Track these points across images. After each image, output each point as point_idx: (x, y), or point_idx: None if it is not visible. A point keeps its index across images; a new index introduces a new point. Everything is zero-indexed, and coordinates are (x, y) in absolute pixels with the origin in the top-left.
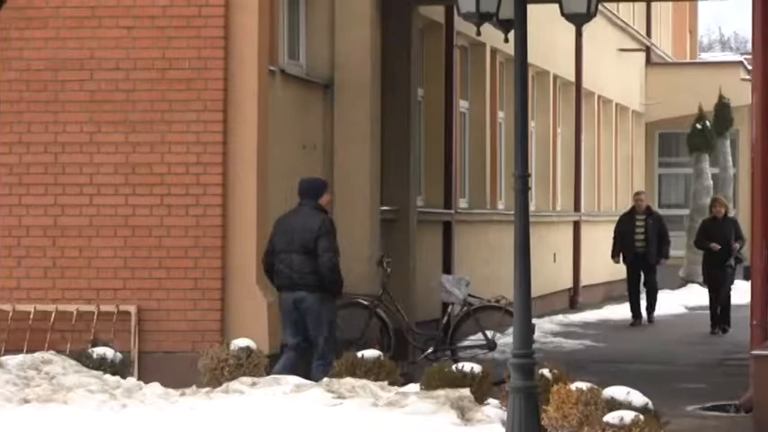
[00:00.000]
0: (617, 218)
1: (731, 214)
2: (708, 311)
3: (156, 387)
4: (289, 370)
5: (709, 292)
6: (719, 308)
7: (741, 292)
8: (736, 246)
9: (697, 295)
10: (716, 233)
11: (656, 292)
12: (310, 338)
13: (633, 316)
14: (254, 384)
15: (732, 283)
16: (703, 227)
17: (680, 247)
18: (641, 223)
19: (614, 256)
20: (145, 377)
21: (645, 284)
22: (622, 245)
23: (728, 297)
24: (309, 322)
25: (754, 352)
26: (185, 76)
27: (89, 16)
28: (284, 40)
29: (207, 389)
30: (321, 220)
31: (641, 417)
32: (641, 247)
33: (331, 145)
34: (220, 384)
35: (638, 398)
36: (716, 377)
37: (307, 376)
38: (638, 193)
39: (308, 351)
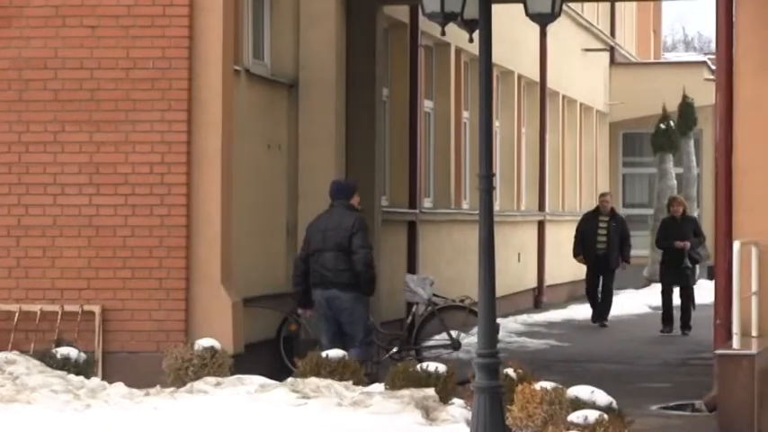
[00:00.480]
0: (581, 218)
1: (694, 214)
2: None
3: (120, 387)
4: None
5: (663, 292)
6: (681, 308)
7: (704, 292)
8: (688, 244)
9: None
10: (675, 232)
11: (610, 296)
12: (346, 335)
13: (594, 314)
14: (218, 384)
15: (693, 282)
16: (663, 226)
17: (644, 247)
18: (604, 225)
19: (576, 254)
20: (109, 377)
21: (601, 288)
22: (583, 245)
23: (690, 297)
24: (344, 320)
25: (718, 351)
26: (150, 76)
27: (53, 15)
28: (249, 40)
29: (171, 389)
30: (355, 218)
31: (605, 416)
32: (602, 249)
33: (296, 144)
34: (185, 384)
35: (602, 397)
36: (680, 376)
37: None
38: (603, 195)
39: (346, 345)
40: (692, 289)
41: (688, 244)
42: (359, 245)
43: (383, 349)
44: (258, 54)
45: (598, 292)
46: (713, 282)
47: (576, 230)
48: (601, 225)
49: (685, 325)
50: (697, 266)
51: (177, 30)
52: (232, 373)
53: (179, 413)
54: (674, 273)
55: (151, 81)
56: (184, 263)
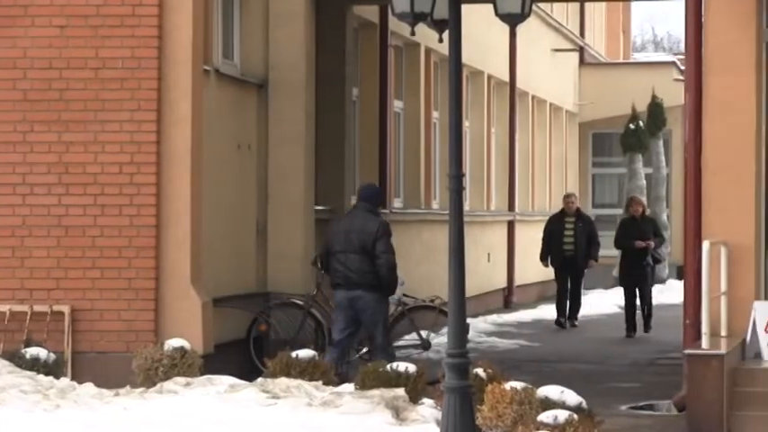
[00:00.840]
0: (547, 220)
1: (663, 214)
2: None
3: (89, 387)
4: (337, 365)
5: (626, 293)
6: (644, 310)
7: (674, 292)
8: (652, 243)
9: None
10: (634, 232)
11: (579, 297)
12: (367, 334)
13: (558, 317)
14: (188, 384)
15: (653, 283)
16: (622, 226)
17: (613, 247)
18: (570, 226)
19: (543, 259)
20: (78, 377)
21: (570, 290)
22: (551, 246)
23: (650, 299)
24: (365, 319)
25: (687, 351)
26: (119, 76)
27: (22, 15)
28: (218, 40)
29: (141, 389)
30: (379, 223)
31: (575, 416)
32: (570, 250)
33: (265, 144)
34: (154, 384)
35: (571, 397)
36: (649, 376)
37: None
38: (568, 196)
39: (350, 346)
40: (650, 290)
41: (652, 243)
42: (382, 250)
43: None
44: (228, 54)
45: (567, 296)
46: (682, 282)
47: (544, 233)
48: (567, 226)
49: (647, 325)
50: (657, 267)
51: (146, 29)
52: (202, 374)
53: (149, 413)
54: (634, 274)
55: (120, 81)
56: (154, 263)
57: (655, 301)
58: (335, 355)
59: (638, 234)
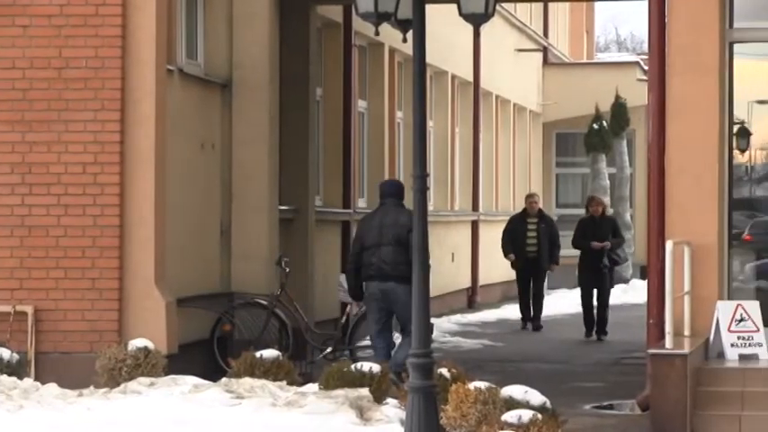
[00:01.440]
0: (508, 220)
1: (627, 214)
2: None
3: (53, 388)
4: (387, 354)
5: (582, 294)
6: (599, 312)
7: (637, 292)
8: (608, 244)
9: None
10: (593, 232)
11: (542, 300)
12: (399, 322)
13: (523, 319)
14: (151, 385)
15: (612, 285)
16: (580, 226)
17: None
18: (533, 227)
19: (507, 252)
20: (42, 378)
21: (532, 291)
22: (513, 247)
23: (606, 301)
24: (398, 309)
25: (651, 351)
26: (82, 76)
27: None
28: (182, 40)
29: (104, 389)
30: (410, 215)
31: (539, 416)
32: (533, 252)
33: (229, 144)
34: (118, 385)
35: (535, 397)
36: (613, 376)
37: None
38: (530, 196)
39: (390, 336)
40: (609, 292)
41: (608, 244)
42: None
43: (317, 349)
44: (191, 54)
45: (530, 297)
46: (646, 281)
47: (504, 233)
48: (530, 227)
49: (601, 329)
50: (617, 268)
51: (110, 29)
52: (166, 374)
53: (112, 414)
54: (592, 275)
55: (84, 81)
56: (117, 263)
57: (618, 301)
58: (381, 345)
59: (597, 234)
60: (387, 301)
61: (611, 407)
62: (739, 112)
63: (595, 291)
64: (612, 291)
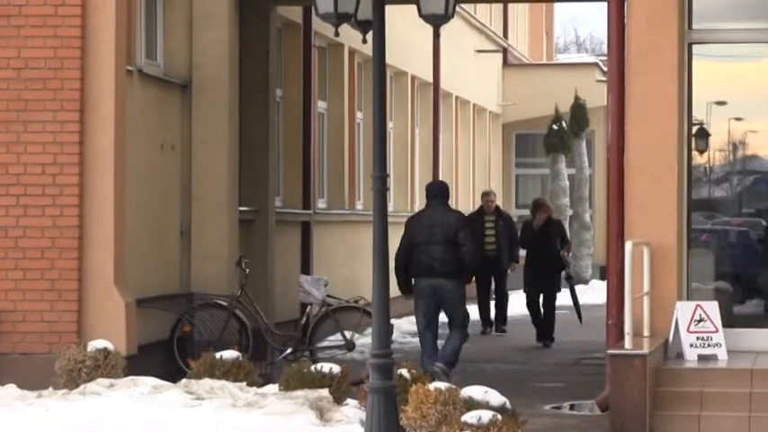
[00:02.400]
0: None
1: (586, 215)
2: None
3: (12, 389)
4: (435, 350)
5: (527, 300)
6: (544, 318)
7: (597, 292)
8: (564, 254)
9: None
10: (539, 237)
11: (506, 300)
12: (446, 316)
13: (483, 324)
14: (111, 386)
15: (558, 290)
16: (526, 229)
17: None
18: (491, 225)
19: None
20: (1, 379)
21: (495, 291)
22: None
23: (552, 309)
24: (446, 303)
25: (611, 351)
26: (41, 76)
27: None
28: (142, 40)
29: (64, 390)
30: (459, 216)
31: (499, 416)
32: (492, 250)
33: (189, 145)
34: (77, 386)
35: (495, 397)
36: (573, 376)
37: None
38: (486, 194)
39: (437, 331)
40: (555, 297)
41: (564, 252)
42: (467, 239)
43: (277, 350)
44: (151, 54)
45: (490, 298)
46: (605, 282)
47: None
48: (488, 225)
49: (547, 335)
50: (563, 273)
51: (69, 29)
52: (125, 375)
53: (72, 415)
54: (537, 281)
55: (43, 81)
56: (77, 264)
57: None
58: (428, 339)
59: (543, 239)
60: (435, 296)
61: (572, 407)
62: (698, 114)
63: (542, 295)
64: (560, 294)
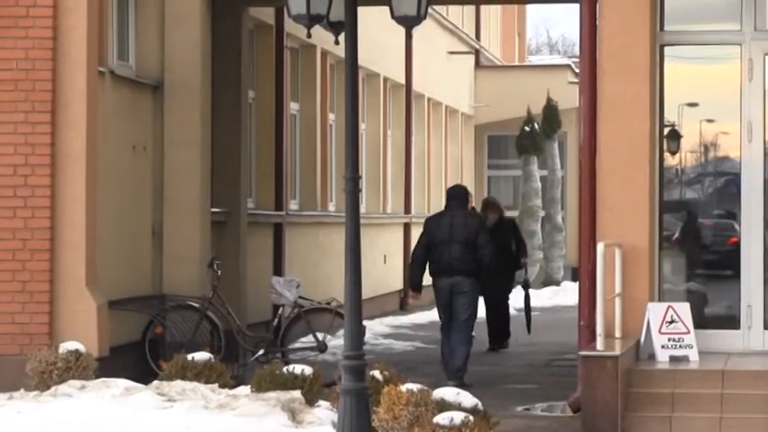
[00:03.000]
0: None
1: (558, 216)
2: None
3: None
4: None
5: (487, 304)
6: (498, 322)
7: (569, 293)
8: (524, 260)
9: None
10: (492, 238)
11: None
12: (456, 311)
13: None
14: (83, 387)
15: (509, 291)
16: None
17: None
18: None
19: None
20: None
21: None
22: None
23: (507, 309)
24: (462, 300)
25: (582, 353)
26: (13, 77)
27: None
28: (113, 41)
29: (35, 392)
30: (478, 219)
31: (471, 417)
32: None
33: (161, 146)
34: (49, 388)
35: (467, 399)
36: (545, 378)
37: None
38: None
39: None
40: (507, 299)
41: (525, 261)
42: (486, 241)
43: (249, 352)
44: (123, 55)
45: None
46: (577, 283)
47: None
48: None
49: (498, 340)
50: (520, 277)
51: (41, 30)
52: (97, 377)
53: (43, 417)
54: (493, 285)
55: (15, 82)
56: (48, 265)
57: (550, 303)
58: (452, 333)
59: (493, 239)
60: (453, 293)
61: (544, 408)
62: (669, 115)
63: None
64: (533, 294)
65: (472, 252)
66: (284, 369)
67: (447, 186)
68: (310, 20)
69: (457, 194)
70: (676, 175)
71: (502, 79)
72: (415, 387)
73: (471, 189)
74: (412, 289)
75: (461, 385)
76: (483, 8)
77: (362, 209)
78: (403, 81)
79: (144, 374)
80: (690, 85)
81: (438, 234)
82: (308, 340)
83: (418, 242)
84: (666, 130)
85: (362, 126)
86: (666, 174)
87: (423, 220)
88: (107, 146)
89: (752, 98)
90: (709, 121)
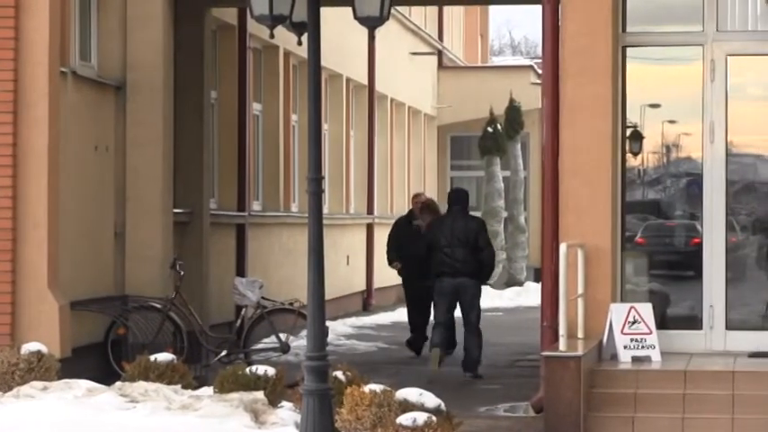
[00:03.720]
0: (394, 223)
1: (521, 217)
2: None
3: None
4: (444, 340)
5: (407, 308)
6: (417, 329)
7: (531, 294)
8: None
9: (488, 297)
10: (412, 237)
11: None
12: (462, 311)
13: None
14: (45, 389)
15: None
16: (397, 229)
17: None
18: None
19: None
20: None
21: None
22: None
23: (427, 314)
24: (465, 301)
25: (545, 353)
26: None
27: None
28: (76, 42)
29: None
30: (478, 222)
31: (434, 418)
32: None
33: (123, 146)
34: (11, 389)
35: (430, 399)
36: (508, 378)
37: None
38: (417, 196)
39: (452, 325)
40: (429, 305)
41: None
42: (486, 243)
43: (212, 352)
44: (85, 56)
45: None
46: (540, 284)
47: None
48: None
49: (415, 345)
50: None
51: (3, 31)
52: (59, 378)
53: (5, 418)
54: (411, 287)
55: None
56: (10, 266)
57: (513, 304)
58: (441, 330)
59: (416, 239)
60: (457, 293)
61: (507, 409)
62: (632, 116)
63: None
64: (493, 295)
65: (473, 254)
66: (247, 370)
67: (410, 187)
68: (273, 20)
69: (458, 198)
70: (639, 175)
71: (464, 80)
72: (377, 388)
73: (434, 190)
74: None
75: (477, 376)
76: (446, 9)
77: (325, 210)
78: (366, 82)
79: (106, 375)
80: (652, 85)
81: (442, 237)
82: (270, 341)
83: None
84: (629, 131)
85: (325, 127)
86: (629, 174)
87: (385, 222)
88: (69, 146)
89: (714, 99)
90: (672, 122)
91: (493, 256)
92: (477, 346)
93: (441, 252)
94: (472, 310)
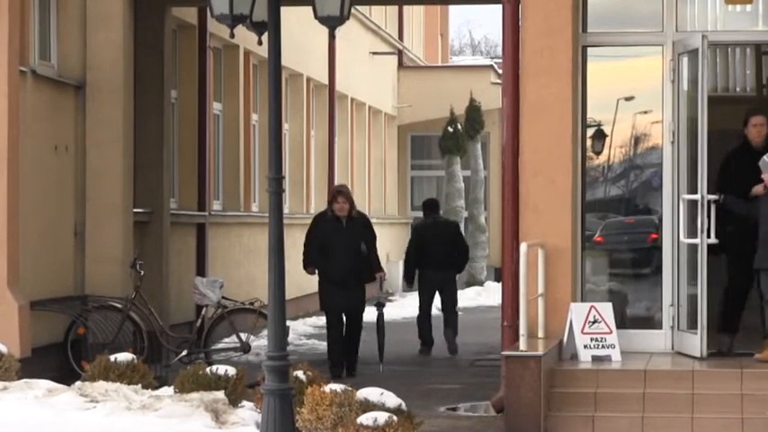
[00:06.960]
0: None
1: (481, 217)
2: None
3: None
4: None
5: (326, 318)
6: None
7: (492, 294)
8: (380, 275)
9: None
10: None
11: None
12: (442, 300)
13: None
14: (4, 389)
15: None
16: (319, 225)
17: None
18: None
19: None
20: None
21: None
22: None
23: (360, 324)
24: (448, 289)
25: (505, 353)
26: None
27: None
28: (35, 41)
29: None
30: (455, 224)
31: (395, 417)
32: None
33: (83, 146)
34: None
35: (391, 399)
36: (468, 378)
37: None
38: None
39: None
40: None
41: (382, 275)
42: (462, 240)
43: (172, 352)
44: (45, 55)
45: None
46: (500, 284)
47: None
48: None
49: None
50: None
51: None
52: (19, 378)
53: None
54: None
55: None
56: None
57: (473, 303)
58: (427, 315)
59: (347, 237)
60: (440, 284)
61: (467, 408)
62: (607, 111)
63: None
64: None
65: (453, 251)
66: (207, 370)
67: (370, 187)
68: (233, 20)
69: (434, 205)
70: (602, 173)
71: (425, 80)
72: (338, 387)
73: (395, 190)
74: (408, 284)
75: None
76: (406, 9)
77: (286, 209)
78: (326, 81)
79: (66, 375)
80: (627, 77)
81: (427, 237)
82: (231, 341)
83: (409, 245)
84: (592, 131)
85: (285, 126)
86: (591, 173)
87: None
88: (29, 146)
89: (673, 98)
90: (645, 112)
91: (467, 252)
92: (455, 327)
93: (427, 249)
94: (454, 298)
